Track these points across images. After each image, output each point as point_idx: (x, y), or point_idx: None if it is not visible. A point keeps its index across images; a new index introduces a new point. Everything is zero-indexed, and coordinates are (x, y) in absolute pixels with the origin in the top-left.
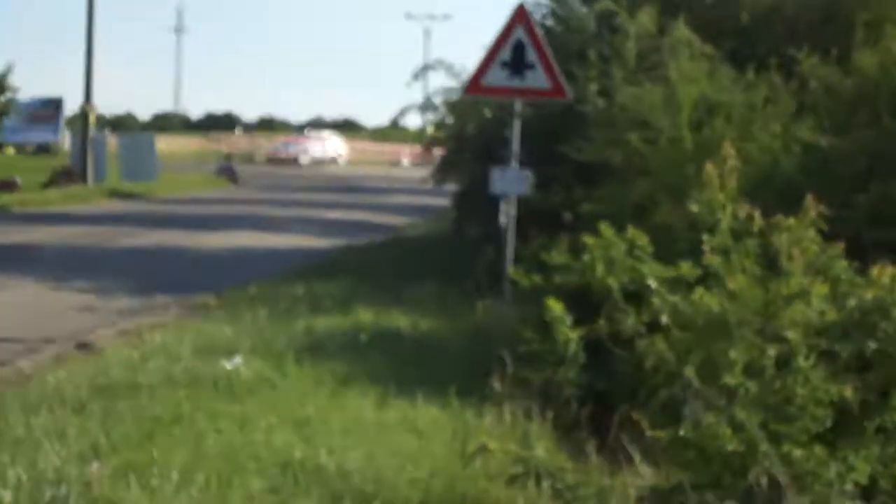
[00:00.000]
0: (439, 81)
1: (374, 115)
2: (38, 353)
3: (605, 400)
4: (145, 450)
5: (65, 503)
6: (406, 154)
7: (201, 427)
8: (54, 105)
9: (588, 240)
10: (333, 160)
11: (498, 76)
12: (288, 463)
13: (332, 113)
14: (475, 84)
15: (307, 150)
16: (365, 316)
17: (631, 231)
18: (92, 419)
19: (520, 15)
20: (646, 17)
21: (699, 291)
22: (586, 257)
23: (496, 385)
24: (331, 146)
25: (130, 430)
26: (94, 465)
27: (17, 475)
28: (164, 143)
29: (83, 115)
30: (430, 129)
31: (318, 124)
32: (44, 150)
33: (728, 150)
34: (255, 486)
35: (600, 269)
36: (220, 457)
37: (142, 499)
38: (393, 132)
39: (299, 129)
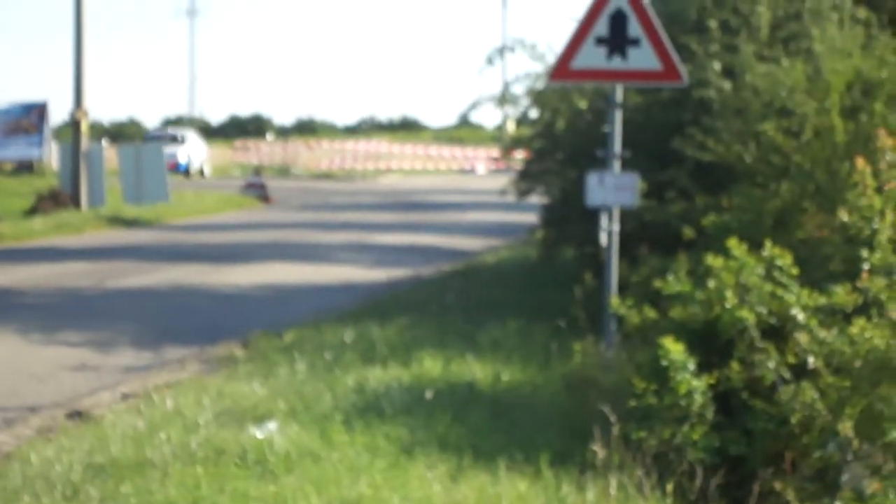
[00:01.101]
0: (521, 66)
1: (441, 113)
2: (19, 424)
3: (740, 466)
4: None
5: None
6: (481, 159)
7: None
8: (37, 112)
9: (714, 261)
10: (187, 172)
11: (593, 56)
12: None
13: (388, 112)
14: (563, 67)
15: None
16: (431, 366)
17: (769, 249)
18: None
19: None
20: None
21: (859, 323)
22: (712, 284)
23: (598, 451)
24: (183, 152)
25: None
26: None
27: None
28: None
29: (74, 124)
30: (511, 127)
31: (369, 126)
32: (26, 168)
33: (885, 140)
34: None
35: (731, 298)
36: None
37: None
38: (465, 133)
39: (346, 132)
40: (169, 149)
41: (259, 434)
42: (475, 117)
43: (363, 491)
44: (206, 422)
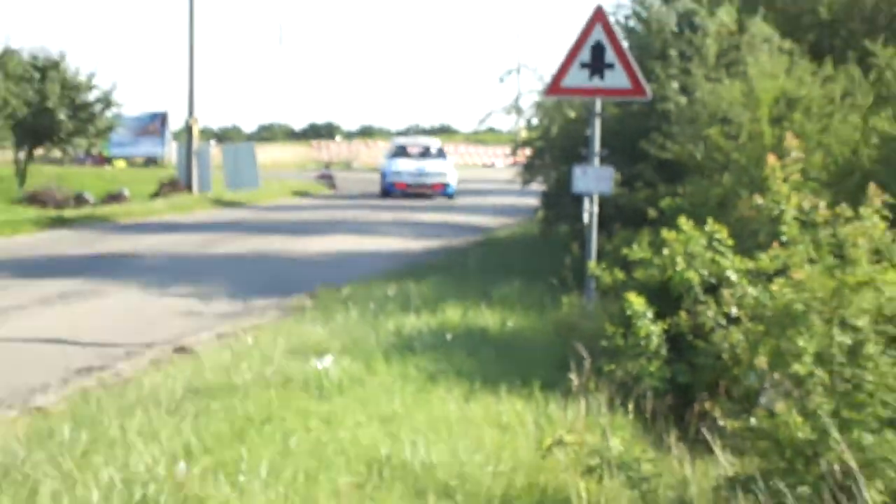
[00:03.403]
0: (530, 84)
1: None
2: (137, 357)
3: (686, 392)
4: (235, 449)
5: (154, 502)
6: (500, 156)
7: (290, 425)
8: (160, 119)
9: (668, 234)
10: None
11: (578, 77)
12: (374, 458)
13: (429, 119)
14: (556, 85)
15: None
16: (453, 315)
17: (710, 225)
18: (185, 420)
19: (598, 16)
20: (725, 15)
21: (779, 282)
22: (666, 252)
23: (575, 379)
24: (450, 170)
25: (222, 430)
26: (181, 465)
27: (109, 475)
28: (269, 153)
29: (188, 128)
30: (524, 132)
31: (415, 130)
32: (152, 162)
33: (791, 141)
34: (341, 482)
35: (681, 263)
36: (308, 454)
37: (230, 496)
38: (488, 136)
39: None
40: (426, 164)
41: (319, 365)
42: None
43: (397, 408)
44: (279, 355)
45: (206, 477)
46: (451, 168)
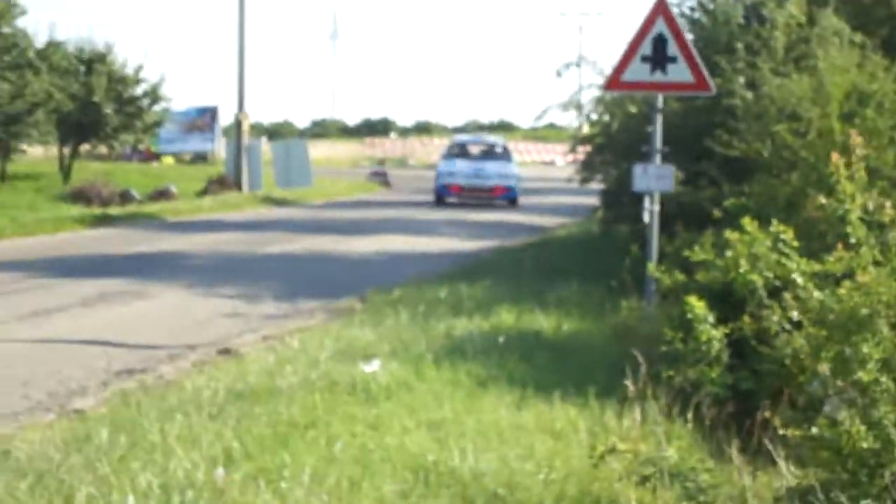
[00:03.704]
0: (590, 78)
1: (531, 116)
2: (180, 359)
3: (749, 400)
4: (277, 454)
5: None
6: (560, 153)
7: (335, 431)
8: (210, 114)
9: (731, 235)
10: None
11: (639, 71)
12: (420, 466)
13: (488, 115)
14: (615, 80)
15: None
16: (506, 318)
17: (776, 226)
18: (226, 424)
19: (660, 8)
20: (794, 7)
21: (845, 285)
22: (730, 253)
23: (630, 386)
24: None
25: (264, 435)
26: (219, 471)
27: (147, 481)
28: (321, 150)
29: (237, 124)
30: (585, 128)
31: (473, 127)
32: (201, 158)
33: (856, 139)
34: (386, 489)
35: (744, 264)
36: (353, 460)
37: (271, 503)
38: (549, 133)
39: (454, 131)
40: (486, 165)
41: (366, 369)
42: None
43: (446, 415)
44: (325, 359)
45: (247, 483)
46: (515, 170)
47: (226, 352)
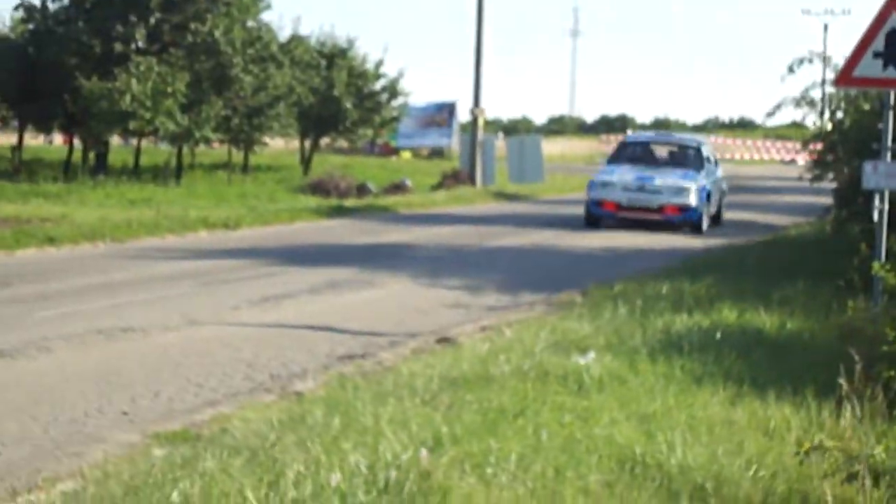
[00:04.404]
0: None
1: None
2: (400, 346)
3: None
4: (485, 440)
5: (399, 489)
6: (800, 152)
7: (544, 419)
8: (448, 109)
9: None
10: None
11: (870, 67)
12: (627, 457)
13: (728, 113)
14: (846, 75)
15: None
16: (728, 315)
17: None
18: (437, 409)
19: (894, 3)
20: None
21: None
22: None
23: (844, 384)
24: None
25: (474, 421)
26: (423, 452)
27: (356, 461)
28: (557, 146)
29: (473, 119)
30: (826, 125)
31: (713, 125)
32: (437, 153)
33: None
34: (591, 479)
35: None
36: (559, 449)
37: (476, 487)
38: (789, 131)
39: (694, 129)
40: (658, 175)
41: (580, 361)
42: (792, 117)
43: (657, 408)
44: (540, 349)
45: (453, 466)
46: (703, 182)
47: (444, 340)
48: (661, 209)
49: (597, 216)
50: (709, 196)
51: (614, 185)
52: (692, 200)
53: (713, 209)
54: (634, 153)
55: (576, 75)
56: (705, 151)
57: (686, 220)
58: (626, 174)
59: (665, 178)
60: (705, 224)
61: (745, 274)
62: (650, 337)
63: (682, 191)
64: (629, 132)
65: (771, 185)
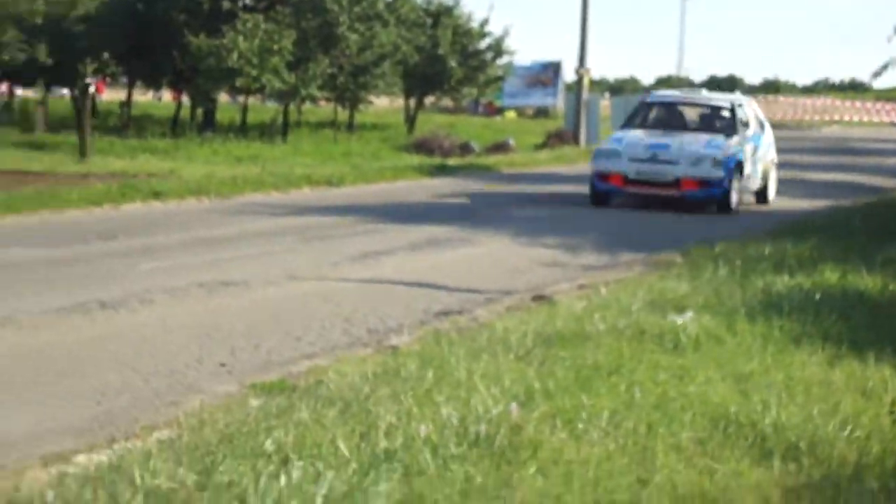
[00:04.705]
0: None
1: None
2: (495, 303)
3: None
4: (577, 397)
5: (490, 442)
6: None
7: (638, 377)
8: (553, 69)
9: None
10: None
11: None
12: (721, 416)
13: (839, 74)
14: None
15: None
16: (829, 276)
17: None
18: (530, 365)
19: None
20: None
21: None
22: None
23: None
24: None
25: (567, 378)
26: (513, 406)
27: (448, 413)
28: None
29: (578, 79)
30: None
31: (823, 86)
32: (542, 113)
33: None
34: (683, 436)
35: None
36: (652, 407)
37: (566, 441)
38: None
39: (803, 90)
40: (675, 142)
41: (678, 320)
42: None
43: (754, 368)
44: (636, 308)
45: (544, 421)
46: (730, 151)
47: (540, 298)
48: (677, 183)
49: (602, 192)
50: (741, 167)
51: (621, 154)
52: (716, 172)
53: (752, 183)
54: (656, 115)
55: (684, 35)
56: (742, 113)
57: (709, 197)
58: (636, 141)
59: (683, 146)
60: (734, 201)
61: (848, 236)
62: (749, 297)
63: (702, 160)
64: (737, 92)
65: (879, 148)
